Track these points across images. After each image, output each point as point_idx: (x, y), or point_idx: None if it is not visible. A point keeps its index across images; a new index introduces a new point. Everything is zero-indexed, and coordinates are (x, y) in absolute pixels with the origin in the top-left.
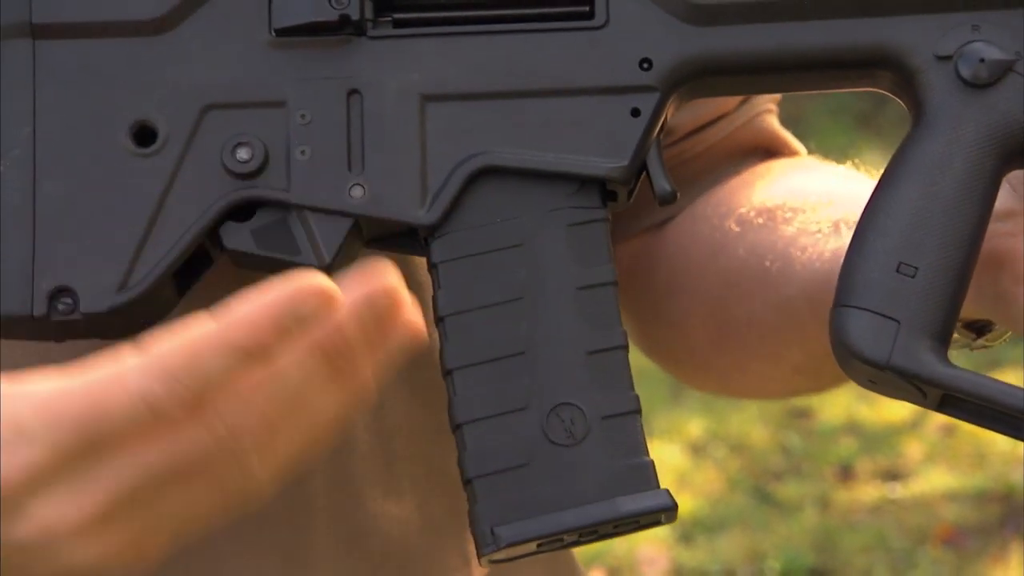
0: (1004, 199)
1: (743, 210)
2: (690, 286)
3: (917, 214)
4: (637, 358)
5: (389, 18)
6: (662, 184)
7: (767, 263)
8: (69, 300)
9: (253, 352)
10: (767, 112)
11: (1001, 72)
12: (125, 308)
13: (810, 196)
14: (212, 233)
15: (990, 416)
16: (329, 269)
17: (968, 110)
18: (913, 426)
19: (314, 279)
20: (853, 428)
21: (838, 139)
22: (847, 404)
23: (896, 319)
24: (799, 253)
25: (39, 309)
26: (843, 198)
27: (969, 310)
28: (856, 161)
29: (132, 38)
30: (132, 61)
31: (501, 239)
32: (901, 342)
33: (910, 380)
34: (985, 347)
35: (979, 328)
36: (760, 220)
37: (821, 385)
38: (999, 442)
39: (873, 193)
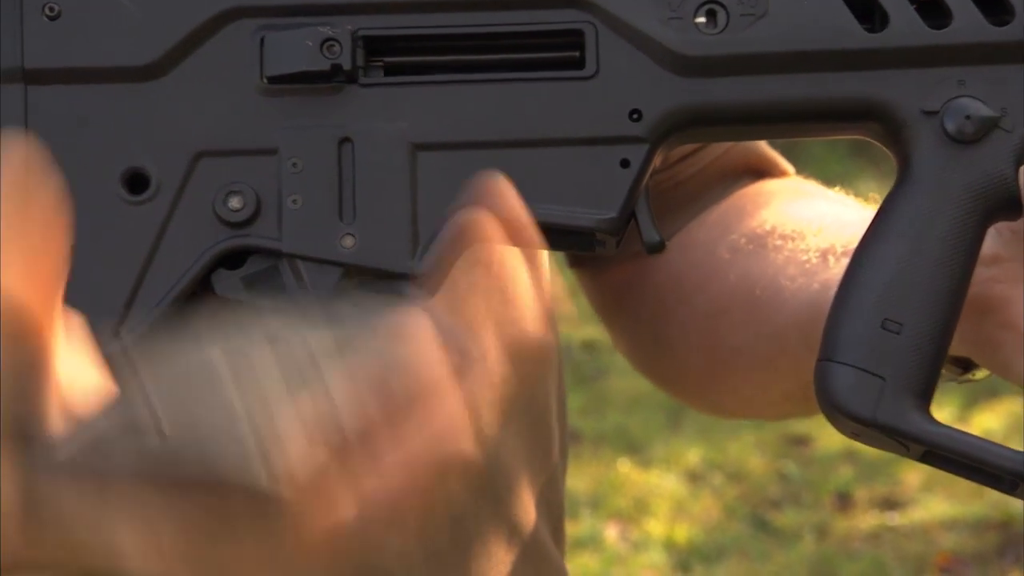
0: (990, 244)
1: (733, 236)
2: (682, 312)
3: (902, 270)
4: (634, 385)
5: (380, 62)
6: (651, 234)
7: (757, 292)
8: None
9: None
10: None
11: (987, 129)
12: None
13: (800, 223)
14: (204, 279)
15: (970, 469)
16: None
17: (953, 166)
18: None
19: None
20: (851, 456)
21: (834, 167)
22: None
23: (881, 376)
24: (788, 283)
25: None
26: (832, 227)
27: (952, 348)
28: (848, 190)
29: (124, 84)
30: (124, 107)
31: None
32: (886, 399)
33: (894, 436)
34: (970, 381)
35: (964, 364)
36: (750, 247)
37: (811, 410)
38: None
39: (858, 247)
